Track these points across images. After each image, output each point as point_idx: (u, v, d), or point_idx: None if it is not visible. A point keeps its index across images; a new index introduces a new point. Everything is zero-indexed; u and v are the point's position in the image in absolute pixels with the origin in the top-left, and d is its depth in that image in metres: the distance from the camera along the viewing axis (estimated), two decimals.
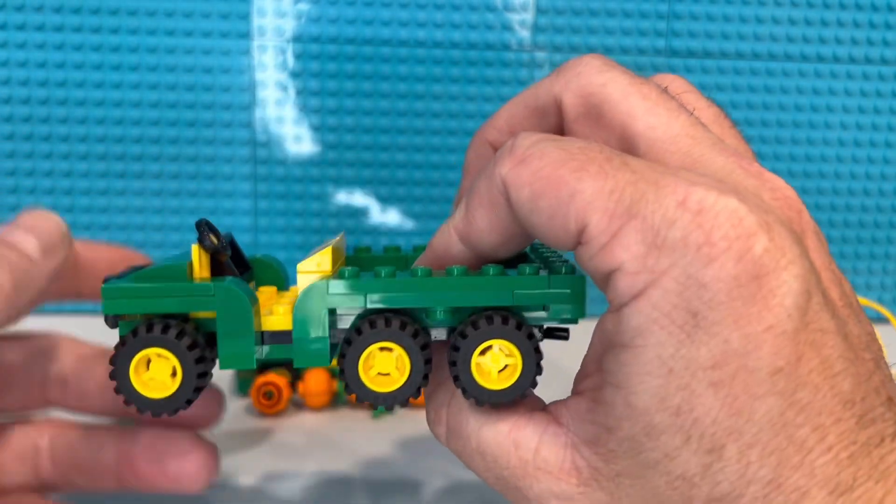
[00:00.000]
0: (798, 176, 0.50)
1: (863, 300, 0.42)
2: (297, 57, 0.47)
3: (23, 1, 0.45)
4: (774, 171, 0.55)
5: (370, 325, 0.22)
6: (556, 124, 0.23)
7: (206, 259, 0.23)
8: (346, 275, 0.22)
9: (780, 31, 0.48)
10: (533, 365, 0.21)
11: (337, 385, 0.37)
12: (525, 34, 0.48)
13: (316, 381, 0.36)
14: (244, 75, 0.47)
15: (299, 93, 0.47)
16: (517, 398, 0.21)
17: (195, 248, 0.23)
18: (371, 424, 0.36)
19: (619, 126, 0.21)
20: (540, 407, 0.22)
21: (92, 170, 0.47)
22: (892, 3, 0.48)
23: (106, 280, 0.22)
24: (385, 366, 0.22)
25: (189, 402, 0.22)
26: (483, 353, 0.21)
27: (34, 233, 0.24)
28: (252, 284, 0.26)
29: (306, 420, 0.36)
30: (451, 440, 0.22)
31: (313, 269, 0.23)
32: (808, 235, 0.19)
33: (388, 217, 0.49)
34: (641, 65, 0.48)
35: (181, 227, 0.48)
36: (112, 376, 0.22)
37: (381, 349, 0.22)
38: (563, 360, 0.25)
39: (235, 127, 0.48)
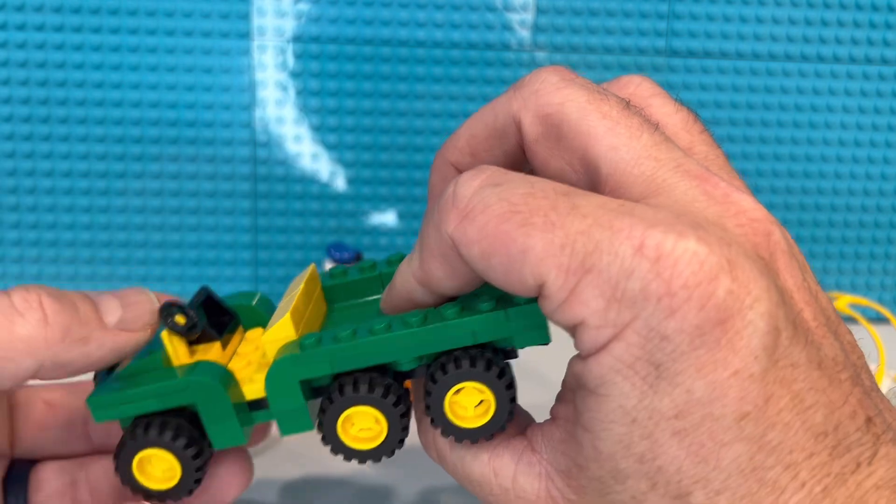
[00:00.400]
0: (798, 176, 0.51)
1: (863, 300, 0.42)
2: (297, 57, 0.47)
3: (23, 1, 0.45)
4: (774, 171, 0.55)
5: (339, 392, 0.22)
6: (517, 144, 0.23)
7: (179, 340, 0.24)
8: (308, 345, 0.22)
9: (780, 31, 0.48)
10: (506, 401, 0.21)
11: None
12: (525, 34, 0.48)
13: None
14: (244, 75, 0.47)
15: (299, 93, 0.47)
16: (496, 433, 0.21)
17: (165, 336, 0.23)
18: None
19: (580, 148, 0.20)
20: (523, 426, 0.22)
21: (92, 170, 0.47)
22: (892, 3, 0.48)
23: (95, 377, 0.23)
24: (364, 422, 0.22)
25: (198, 482, 0.23)
26: (457, 391, 0.21)
27: (123, 305, 0.23)
28: (240, 330, 0.26)
29: None
30: (444, 466, 0.22)
31: (278, 337, 0.23)
32: (778, 257, 0.19)
33: (388, 217, 0.49)
34: (641, 65, 0.48)
35: (181, 227, 0.48)
36: (121, 480, 0.23)
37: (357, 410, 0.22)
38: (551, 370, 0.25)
39: (235, 127, 0.48)
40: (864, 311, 0.43)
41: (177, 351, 0.23)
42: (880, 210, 0.51)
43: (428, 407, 0.21)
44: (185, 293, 0.49)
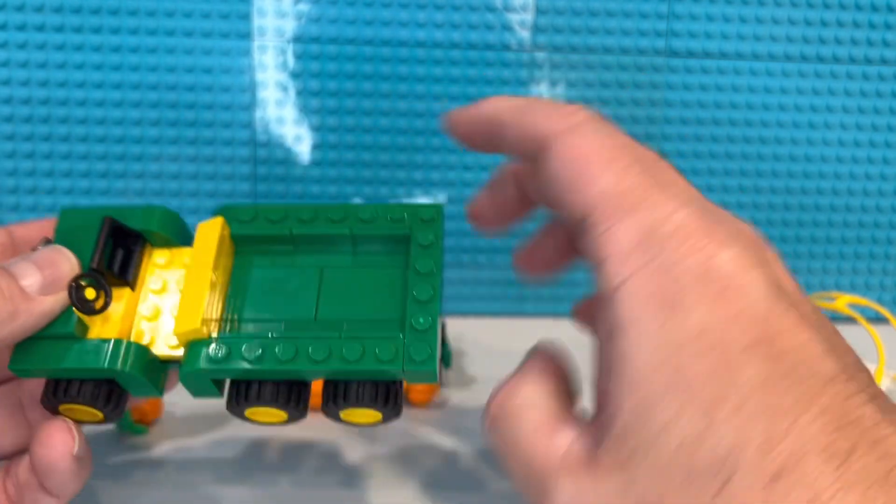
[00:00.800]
0: (798, 176, 0.51)
1: (863, 300, 0.42)
2: (298, 57, 0.47)
3: (23, 1, 0.45)
4: (774, 171, 0.55)
5: (245, 397, 0.24)
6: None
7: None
8: (218, 360, 0.23)
9: (779, 31, 0.48)
10: (392, 414, 0.24)
11: None
12: (525, 34, 0.48)
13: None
14: (244, 76, 0.47)
15: (299, 93, 0.47)
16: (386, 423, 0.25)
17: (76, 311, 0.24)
18: None
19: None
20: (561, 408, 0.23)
21: (93, 170, 0.47)
22: (892, 3, 0.48)
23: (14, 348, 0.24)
24: (268, 410, 0.24)
25: (121, 415, 0.25)
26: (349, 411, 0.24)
27: (41, 268, 0.24)
28: (147, 251, 0.27)
29: None
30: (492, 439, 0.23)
31: (188, 331, 0.24)
32: (775, 266, 0.21)
33: None
34: (641, 65, 0.48)
35: None
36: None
37: None
38: None
39: (236, 127, 0.48)
40: (864, 311, 0.43)
41: (92, 322, 0.24)
42: (880, 210, 0.51)
43: (326, 412, 0.24)
44: None
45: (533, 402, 0.22)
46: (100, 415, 0.24)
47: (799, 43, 0.49)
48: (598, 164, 0.21)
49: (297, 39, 0.47)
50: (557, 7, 0.47)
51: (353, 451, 0.34)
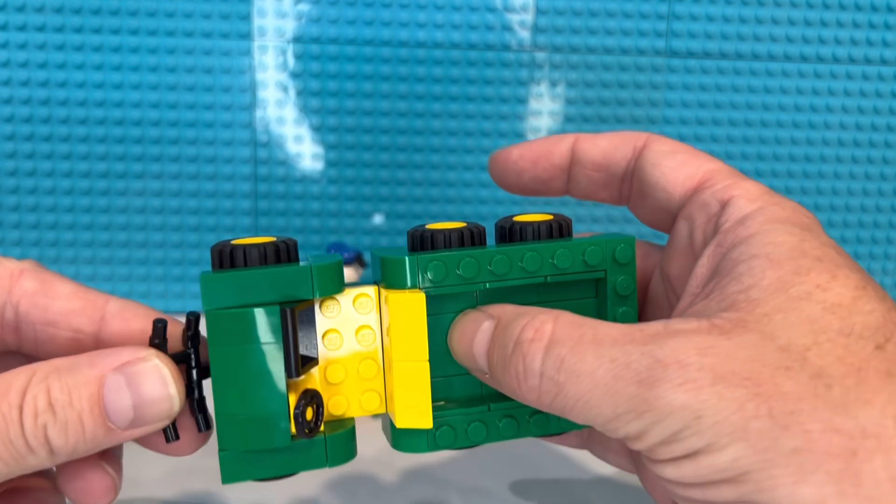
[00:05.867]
0: (798, 176, 0.51)
1: None
2: (298, 57, 0.47)
3: (24, 1, 0.45)
4: (774, 172, 0.55)
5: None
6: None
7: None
8: (444, 444, 0.24)
9: (779, 31, 0.48)
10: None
11: None
12: (525, 35, 0.48)
13: None
14: (245, 76, 0.47)
15: (300, 93, 0.47)
16: None
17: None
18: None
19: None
20: None
21: (93, 170, 0.47)
22: (892, 3, 0.48)
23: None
24: None
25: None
26: None
27: (136, 406, 0.21)
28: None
29: None
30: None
31: (412, 422, 0.23)
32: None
33: (389, 217, 0.50)
34: (641, 65, 0.48)
35: (181, 227, 0.49)
36: None
37: None
38: None
39: (236, 127, 0.48)
40: None
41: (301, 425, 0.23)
42: (880, 210, 0.51)
43: None
44: (187, 292, 0.49)
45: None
46: None
47: (798, 43, 0.49)
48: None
49: (298, 39, 0.47)
50: (557, 7, 0.47)
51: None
